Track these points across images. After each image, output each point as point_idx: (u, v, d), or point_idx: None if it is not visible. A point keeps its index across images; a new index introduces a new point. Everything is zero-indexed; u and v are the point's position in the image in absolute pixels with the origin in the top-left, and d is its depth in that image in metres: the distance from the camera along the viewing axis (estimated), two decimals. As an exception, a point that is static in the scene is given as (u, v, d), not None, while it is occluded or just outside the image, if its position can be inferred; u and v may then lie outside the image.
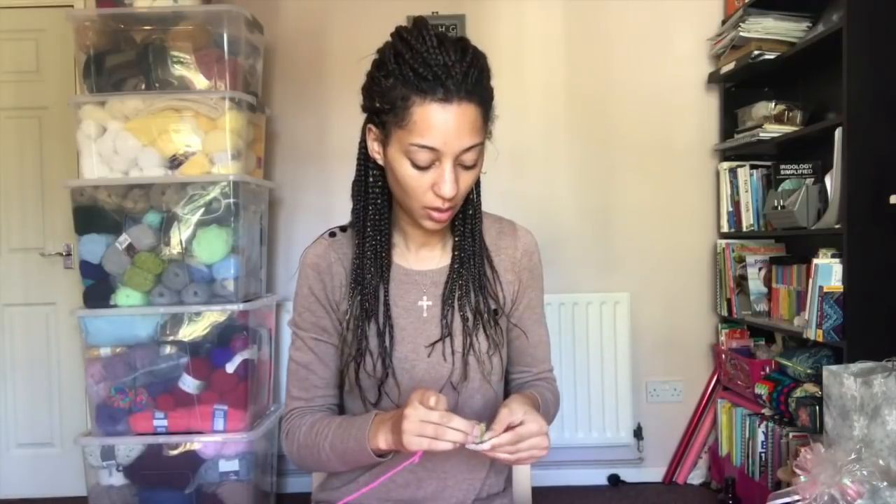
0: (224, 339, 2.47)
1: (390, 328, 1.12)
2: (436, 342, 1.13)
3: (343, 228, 1.19)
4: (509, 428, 0.96)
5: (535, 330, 1.24)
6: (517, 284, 1.20)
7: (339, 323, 1.15)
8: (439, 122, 0.97)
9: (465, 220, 1.13)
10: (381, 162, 1.07)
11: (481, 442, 0.95)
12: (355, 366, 1.12)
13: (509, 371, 1.27)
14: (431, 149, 0.99)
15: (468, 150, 1.00)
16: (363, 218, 1.12)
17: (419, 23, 1.01)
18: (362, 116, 1.09)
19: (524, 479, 1.34)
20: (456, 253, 1.15)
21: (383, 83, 0.99)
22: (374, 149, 1.07)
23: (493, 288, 1.17)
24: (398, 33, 1.01)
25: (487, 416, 1.16)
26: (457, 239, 1.15)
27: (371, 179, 1.10)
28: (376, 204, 1.10)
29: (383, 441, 1.00)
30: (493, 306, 1.16)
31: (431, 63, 0.96)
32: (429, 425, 0.93)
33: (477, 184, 1.12)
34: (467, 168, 1.03)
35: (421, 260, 1.16)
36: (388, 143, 1.02)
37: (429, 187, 1.02)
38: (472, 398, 1.16)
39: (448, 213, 1.06)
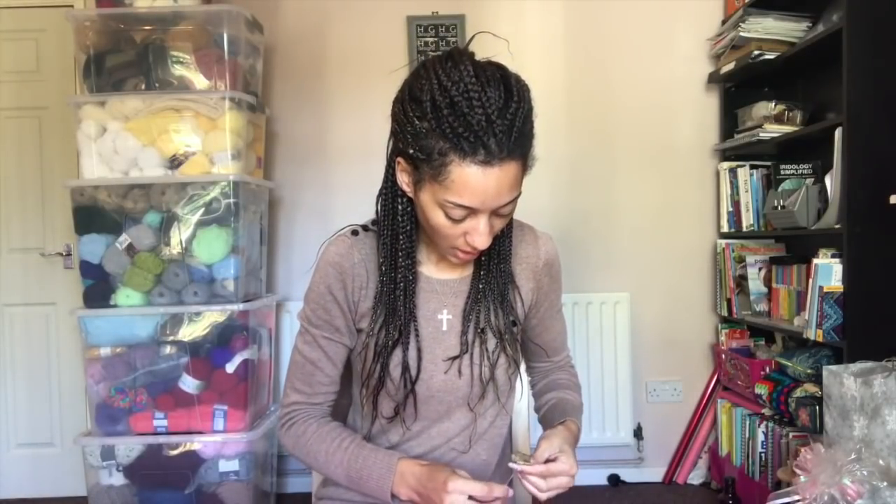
0: (224, 339, 2.47)
1: (419, 356, 1.10)
2: (455, 358, 1.12)
3: (365, 227, 1.15)
4: (548, 460, 1.03)
5: (555, 325, 1.27)
6: (537, 292, 1.20)
7: (354, 322, 1.13)
8: (479, 183, 0.92)
9: (494, 239, 1.08)
10: (410, 194, 1.03)
11: (515, 462, 1.03)
12: (375, 391, 1.11)
13: (531, 361, 1.32)
14: (469, 207, 0.95)
15: (507, 204, 0.98)
16: (393, 245, 1.07)
17: (455, 58, 0.94)
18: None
19: (524, 479, 1.34)
20: (482, 273, 1.13)
21: (417, 125, 0.93)
22: (404, 180, 1.02)
23: (513, 301, 1.16)
24: (435, 73, 0.93)
25: (495, 434, 1.20)
26: (483, 259, 1.12)
27: (400, 207, 1.06)
28: (406, 231, 1.07)
29: (405, 494, 1.05)
30: (511, 318, 1.15)
31: (472, 121, 0.89)
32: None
33: None
34: (502, 216, 1.01)
35: (442, 269, 1.14)
36: (420, 187, 0.98)
37: (461, 234, 1.00)
38: (486, 412, 1.17)
39: (476, 254, 1.04)
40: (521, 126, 0.93)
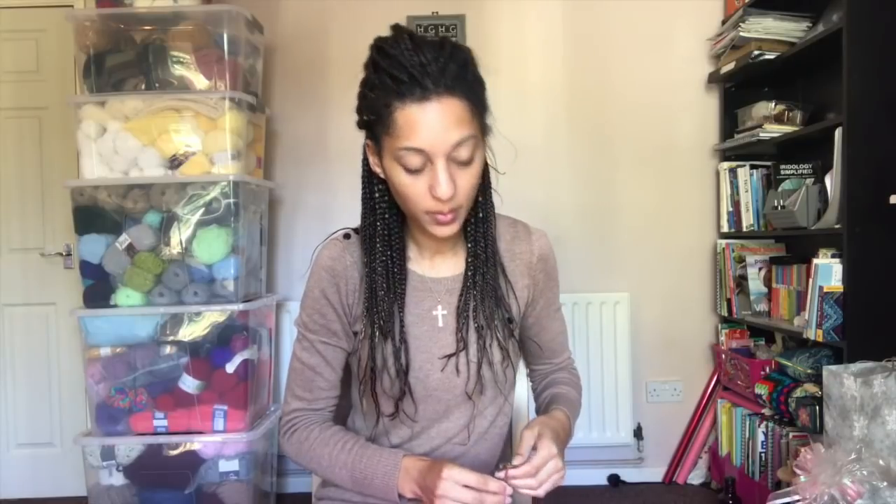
0: (224, 339, 2.47)
1: (406, 347, 1.10)
2: (451, 355, 1.12)
3: (356, 230, 1.16)
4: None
5: (553, 325, 1.27)
6: (532, 289, 1.20)
7: (350, 325, 1.14)
8: (420, 121, 0.94)
9: (478, 224, 1.11)
10: (382, 176, 1.05)
11: (505, 470, 0.99)
12: (371, 384, 1.11)
13: (532, 364, 1.32)
14: (419, 150, 0.96)
15: (458, 145, 0.97)
16: (372, 234, 1.09)
17: (396, 29, 0.99)
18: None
19: (524, 479, 1.34)
20: (470, 261, 1.13)
21: (368, 96, 0.99)
22: (374, 162, 1.05)
23: (508, 298, 1.16)
24: (375, 44, 0.99)
25: (495, 434, 1.20)
26: (470, 245, 1.12)
27: (377, 195, 1.08)
28: (384, 218, 1.08)
29: (409, 491, 1.04)
30: (506, 315, 1.15)
31: (406, 65, 0.94)
32: (468, 491, 0.96)
33: (488, 185, 1.10)
34: (464, 165, 0.99)
35: (435, 267, 1.15)
36: (382, 154, 1.01)
37: (426, 191, 0.99)
38: (485, 410, 1.17)
39: (453, 216, 1.02)
40: (458, 67, 0.96)
